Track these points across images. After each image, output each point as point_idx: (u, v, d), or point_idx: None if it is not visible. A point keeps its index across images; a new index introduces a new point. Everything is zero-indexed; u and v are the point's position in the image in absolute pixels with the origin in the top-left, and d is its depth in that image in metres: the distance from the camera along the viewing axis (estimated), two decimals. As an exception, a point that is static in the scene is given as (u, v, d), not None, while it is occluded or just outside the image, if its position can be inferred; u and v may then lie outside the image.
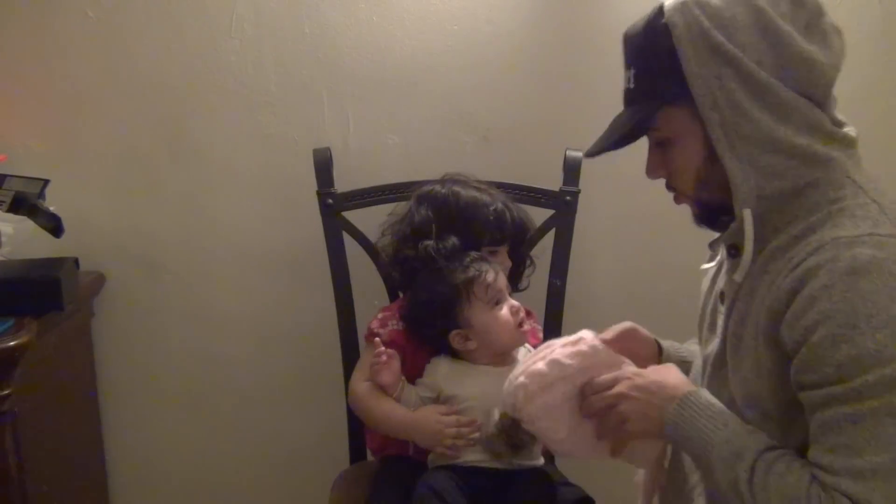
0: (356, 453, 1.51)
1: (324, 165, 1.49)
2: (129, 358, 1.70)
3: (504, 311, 1.26)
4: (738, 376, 0.94)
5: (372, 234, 1.48)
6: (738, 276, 0.95)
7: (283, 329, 1.70)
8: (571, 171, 1.49)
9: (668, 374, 1.02)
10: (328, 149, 1.52)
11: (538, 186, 1.51)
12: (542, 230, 1.50)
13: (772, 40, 0.87)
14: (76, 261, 1.46)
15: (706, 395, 0.97)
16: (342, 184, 1.50)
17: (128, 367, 1.70)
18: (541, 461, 1.28)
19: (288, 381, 1.72)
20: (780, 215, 0.91)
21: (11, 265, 1.43)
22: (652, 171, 1.01)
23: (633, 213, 1.64)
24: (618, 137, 0.99)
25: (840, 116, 0.94)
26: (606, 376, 1.03)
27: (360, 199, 1.49)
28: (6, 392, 1.23)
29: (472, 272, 1.26)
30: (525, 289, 1.49)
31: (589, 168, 1.49)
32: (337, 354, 1.49)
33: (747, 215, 0.90)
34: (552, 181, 1.50)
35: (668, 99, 0.94)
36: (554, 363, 1.05)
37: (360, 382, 1.31)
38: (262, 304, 1.69)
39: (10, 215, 1.36)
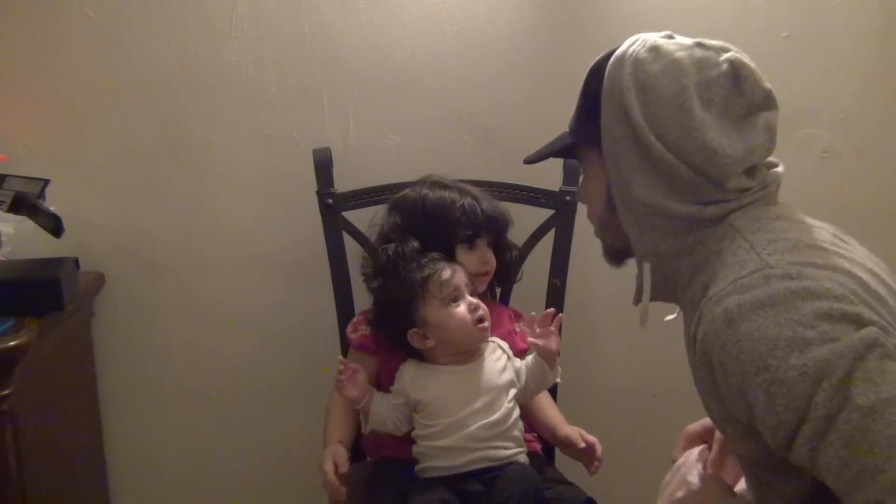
0: (355, 454, 1.51)
1: (324, 165, 1.49)
2: (129, 358, 1.70)
3: (461, 308, 1.27)
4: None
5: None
6: (641, 323, 0.99)
7: (283, 329, 1.70)
8: (571, 171, 1.49)
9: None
10: (328, 149, 1.52)
11: (538, 186, 1.51)
12: (542, 230, 1.50)
13: (681, 121, 0.89)
14: (76, 261, 1.46)
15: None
16: (342, 184, 1.51)
17: (128, 367, 1.70)
18: (524, 456, 1.28)
19: (288, 381, 1.72)
20: (678, 273, 0.94)
21: (11, 265, 1.43)
22: (578, 196, 1.10)
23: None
24: (546, 154, 1.08)
25: (757, 180, 0.93)
26: None
27: (360, 199, 1.49)
28: (6, 392, 1.23)
29: (427, 271, 1.27)
30: (519, 279, 1.49)
31: (589, 168, 1.48)
32: (336, 354, 1.49)
33: (646, 270, 0.95)
34: (552, 181, 1.50)
35: (585, 141, 0.99)
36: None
37: (332, 395, 1.37)
38: (262, 304, 1.69)
39: (10, 215, 1.36)
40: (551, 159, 1.10)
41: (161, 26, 1.57)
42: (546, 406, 1.41)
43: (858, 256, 0.88)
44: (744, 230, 0.89)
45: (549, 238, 1.51)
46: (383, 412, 1.28)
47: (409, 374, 1.30)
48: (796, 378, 0.75)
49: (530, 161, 1.10)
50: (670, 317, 1.04)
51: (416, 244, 1.32)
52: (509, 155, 1.63)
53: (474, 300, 1.29)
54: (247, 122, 1.61)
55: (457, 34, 1.60)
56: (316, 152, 1.50)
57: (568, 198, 1.49)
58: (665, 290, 0.97)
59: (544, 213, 1.51)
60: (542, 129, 1.64)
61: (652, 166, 0.90)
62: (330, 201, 1.48)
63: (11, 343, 1.22)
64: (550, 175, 1.51)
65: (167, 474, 1.77)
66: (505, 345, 1.33)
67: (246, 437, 1.75)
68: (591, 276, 1.65)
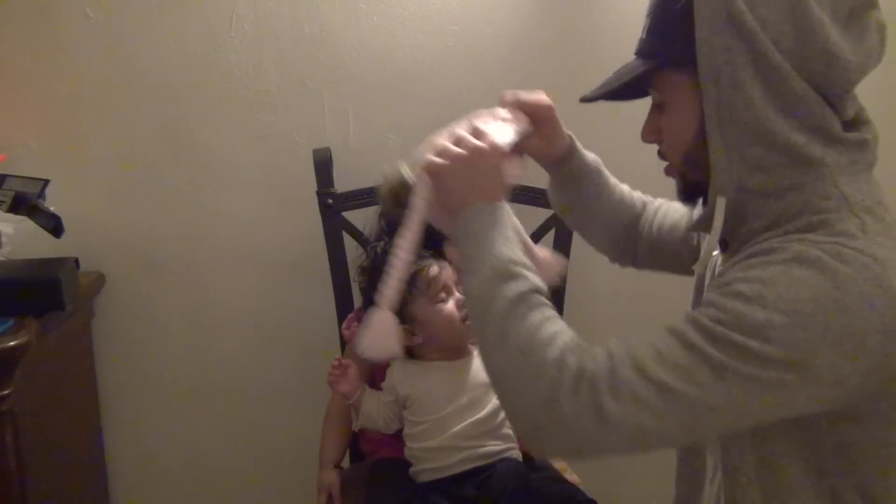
0: (354, 454, 1.51)
1: (324, 165, 1.49)
2: (129, 358, 1.70)
3: (449, 305, 1.27)
4: None
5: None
6: (697, 267, 0.90)
7: (283, 329, 1.70)
8: (571, 171, 1.49)
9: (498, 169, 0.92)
10: (328, 149, 1.52)
11: (538, 186, 1.51)
12: (543, 230, 1.50)
13: (798, 22, 0.78)
14: (76, 261, 1.46)
15: (507, 211, 0.91)
16: (342, 184, 1.51)
17: (128, 367, 1.70)
18: (516, 452, 1.29)
19: (288, 381, 1.72)
20: (756, 215, 0.83)
21: (11, 265, 1.43)
22: (645, 134, 0.94)
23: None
24: (614, 89, 0.92)
25: (860, 114, 0.87)
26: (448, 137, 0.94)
27: (360, 199, 1.49)
28: (6, 392, 1.23)
29: (413, 268, 1.26)
30: None
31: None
32: (336, 354, 1.49)
33: (720, 203, 0.83)
34: (552, 181, 1.50)
35: (671, 61, 0.85)
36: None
37: (332, 401, 1.41)
38: (262, 304, 1.70)
39: (10, 215, 1.36)
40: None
41: (161, 26, 1.57)
42: None
43: None
44: (852, 201, 0.79)
45: (549, 238, 1.50)
46: (373, 409, 1.30)
47: (398, 371, 1.30)
48: (758, 321, 0.73)
49: (590, 99, 0.95)
50: (716, 252, 0.94)
51: None
52: (509, 155, 1.64)
53: (462, 297, 1.29)
54: (247, 122, 1.61)
55: (457, 34, 1.60)
56: (316, 152, 1.50)
57: (568, 198, 1.49)
58: (729, 229, 0.86)
59: (544, 213, 1.51)
60: (542, 129, 1.65)
61: (763, 80, 0.79)
62: (330, 201, 1.48)
63: (11, 343, 1.22)
64: (550, 175, 1.51)
65: (167, 474, 1.77)
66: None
67: (245, 436, 1.75)
68: (591, 276, 1.65)
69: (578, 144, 1.08)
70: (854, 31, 0.80)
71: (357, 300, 1.50)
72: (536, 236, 1.50)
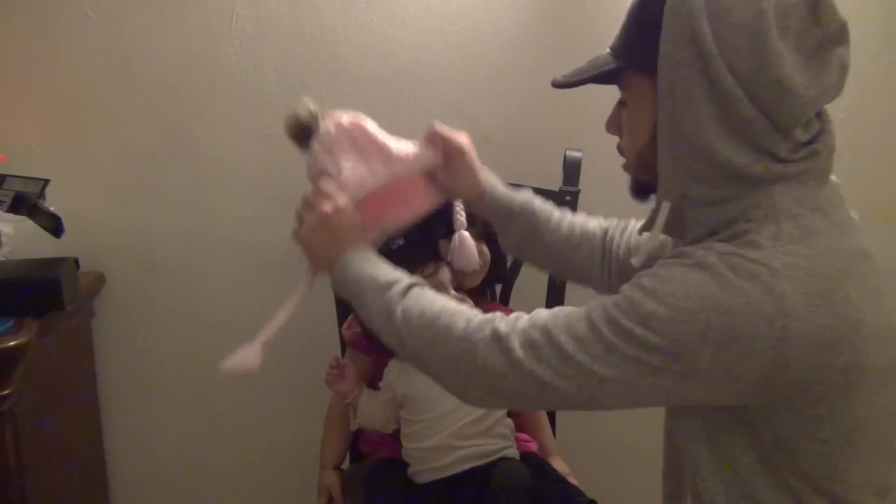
0: (354, 454, 1.51)
1: (324, 165, 1.49)
2: (129, 358, 1.70)
3: None
4: None
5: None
6: (635, 261, 0.95)
7: (283, 329, 1.70)
8: (571, 171, 1.49)
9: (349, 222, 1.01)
10: (328, 149, 1.52)
11: (538, 186, 1.51)
12: (542, 230, 1.50)
13: (757, 51, 0.80)
14: (76, 261, 1.46)
15: (370, 248, 1.01)
16: (342, 184, 1.50)
17: (128, 367, 1.70)
18: (513, 450, 1.29)
19: (287, 381, 1.72)
20: (696, 222, 0.88)
21: (11, 265, 1.43)
22: (608, 125, 0.98)
23: (632, 213, 1.64)
24: (583, 79, 0.97)
25: (818, 133, 0.89)
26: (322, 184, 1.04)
27: (360, 199, 1.49)
28: (6, 392, 1.23)
29: (408, 268, 1.26)
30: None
31: (589, 168, 1.48)
32: (336, 354, 1.49)
33: (664, 207, 0.88)
34: (552, 181, 1.50)
35: (636, 65, 0.89)
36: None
37: (332, 403, 1.43)
38: (261, 304, 1.68)
39: (10, 215, 1.36)
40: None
41: (161, 26, 1.57)
42: (541, 429, 1.43)
43: (868, 285, 0.84)
44: (781, 212, 0.82)
45: (549, 238, 1.50)
46: (371, 408, 1.30)
47: (395, 369, 1.31)
48: (644, 310, 0.80)
49: (561, 85, 0.99)
50: (645, 235, 0.99)
51: (400, 241, 1.32)
52: (509, 155, 1.64)
53: (458, 296, 1.28)
54: (247, 122, 1.61)
55: (457, 34, 1.60)
56: (316, 152, 1.50)
57: (568, 198, 1.49)
58: (674, 232, 0.92)
59: (544, 213, 1.50)
60: (542, 130, 1.65)
61: (714, 100, 0.81)
62: (330, 201, 1.48)
63: (11, 343, 1.22)
64: (550, 175, 1.51)
65: (167, 474, 1.77)
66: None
67: (245, 436, 1.75)
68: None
69: (499, 188, 1.15)
70: (816, 65, 0.83)
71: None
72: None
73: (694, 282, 0.80)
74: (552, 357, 0.83)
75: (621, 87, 0.94)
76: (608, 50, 0.95)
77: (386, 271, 0.96)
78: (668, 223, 0.90)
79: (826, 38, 0.82)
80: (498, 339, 0.85)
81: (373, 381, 1.37)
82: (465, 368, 0.86)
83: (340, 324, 1.49)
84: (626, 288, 0.84)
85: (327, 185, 1.03)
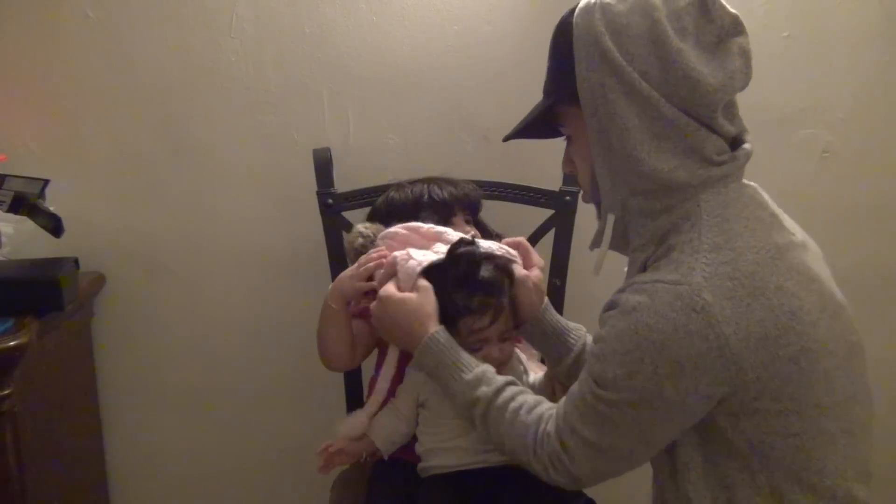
0: (356, 453, 1.51)
1: (324, 165, 1.49)
2: (129, 358, 1.70)
3: (481, 351, 1.21)
4: None
5: (372, 234, 1.49)
6: (594, 271, 1.02)
7: (283, 329, 1.70)
8: (571, 171, 1.49)
9: (425, 301, 1.11)
10: (328, 149, 1.52)
11: (538, 186, 1.51)
12: (542, 230, 1.50)
13: (660, 54, 0.87)
14: (76, 261, 1.46)
15: (445, 334, 1.09)
16: (342, 184, 1.51)
17: (128, 367, 1.70)
18: None
19: (288, 381, 1.72)
20: (636, 233, 0.94)
21: (11, 265, 1.43)
22: (564, 165, 1.06)
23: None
24: (525, 126, 1.05)
25: (736, 128, 0.93)
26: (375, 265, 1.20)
27: (360, 199, 1.49)
28: (6, 392, 1.23)
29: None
30: None
31: (589, 168, 1.49)
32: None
33: (609, 220, 0.95)
34: (552, 181, 1.50)
35: (563, 99, 0.97)
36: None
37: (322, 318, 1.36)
38: (262, 304, 1.70)
39: (10, 215, 1.36)
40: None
41: (161, 26, 1.57)
42: None
43: (800, 272, 0.89)
44: (704, 221, 0.88)
45: (549, 238, 1.50)
46: (391, 435, 1.23)
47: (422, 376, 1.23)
48: (609, 377, 0.88)
49: (508, 138, 1.08)
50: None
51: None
52: (509, 155, 1.63)
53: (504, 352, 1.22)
54: (247, 122, 1.61)
55: (457, 34, 1.60)
56: (316, 152, 1.50)
57: (568, 198, 1.49)
58: (623, 243, 0.98)
59: (544, 213, 1.51)
60: (542, 129, 1.65)
61: (635, 108, 0.88)
62: (330, 201, 1.48)
63: (11, 343, 1.22)
64: (550, 175, 1.51)
65: (167, 474, 1.77)
66: (523, 356, 1.28)
67: (246, 437, 1.75)
68: (591, 276, 1.64)
69: (551, 309, 1.23)
70: (719, 56, 0.89)
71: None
72: (536, 236, 1.50)
73: (625, 331, 0.86)
74: (595, 457, 0.94)
75: (561, 126, 1.02)
76: (543, 95, 1.04)
77: (461, 384, 1.06)
78: (613, 236, 0.96)
79: (722, 32, 0.90)
80: (557, 460, 0.96)
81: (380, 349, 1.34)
82: (541, 476, 1.00)
83: (340, 324, 1.49)
84: (590, 358, 0.93)
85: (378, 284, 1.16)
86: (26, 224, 1.38)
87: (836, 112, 1.65)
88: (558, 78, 0.98)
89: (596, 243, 1.00)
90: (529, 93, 1.63)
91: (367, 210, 1.47)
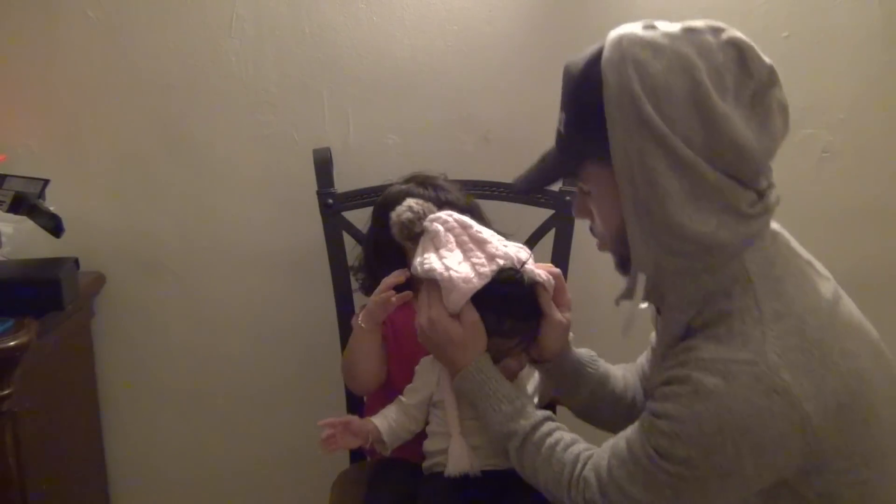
0: (356, 453, 1.51)
1: (324, 165, 1.49)
2: (129, 358, 1.70)
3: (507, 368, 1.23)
4: None
5: (372, 234, 1.48)
6: (622, 332, 1.01)
7: (283, 329, 1.70)
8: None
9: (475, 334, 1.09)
10: (328, 149, 1.52)
11: (538, 186, 1.51)
12: (542, 230, 1.50)
13: (704, 118, 0.82)
14: (76, 261, 1.46)
15: (488, 364, 1.09)
16: (342, 184, 1.51)
17: (128, 367, 1.70)
18: None
19: (288, 381, 1.72)
20: (674, 292, 0.91)
21: (11, 265, 1.43)
22: (578, 214, 1.02)
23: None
24: (544, 181, 1.02)
25: (766, 181, 0.91)
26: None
27: (360, 199, 1.49)
28: (6, 392, 1.23)
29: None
30: None
31: (589, 168, 1.49)
32: (337, 354, 1.49)
33: (641, 279, 0.92)
34: (552, 181, 1.50)
35: (591, 157, 0.91)
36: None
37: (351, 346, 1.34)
38: (262, 304, 1.70)
39: (10, 215, 1.36)
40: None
41: (161, 26, 1.57)
42: None
43: (852, 325, 0.90)
44: (757, 285, 0.87)
45: (549, 238, 1.50)
46: (396, 429, 1.22)
47: (433, 371, 1.22)
48: (680, 456, 0.85)
49: (523, 191, 1.05)
50: (643, 306, 1.02)
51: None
52: (509, 155, 1.63)
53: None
54: (247, 122, 1.61)
55: (457, 34, 1.60)
56: (316, 152, 1.50)
57: (568, 198, 1.49)
58: (653, 299, 0.96)
59: (544, 213, 1.50)
60: (542, 129, 1.64)
61: (678, 176, 0.84)
62: (330, 201, 1.48)
63: (11, 343, 1.22)
64: (550, 175, 1.51)
65: (167, 474, 1.77)
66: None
67: (246, 437, 1.75)
68: (591, 276, 1.64)
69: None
70: (759, 114, 0.86)
71: (356, 300, 1.50)
72: (536, 236, 1.50)
73: (705, 416, 0.83)
74: None
75: (580, 179, 0.97)
76: (556, 146, 0.99)
77: (499, 414, 1.06)
78: (646, 291, 0.94)
79: (760, 86, 0.85)
80: None
81: (388, 351, 1.32)
82: None
83: (341, 323, 1.49)
84: (651, 430, 0.89)
85: (424, 296, 1.12)
86: (26, 224, 1.38)
87: (836, 112, 1.65)
88: (582, 136, 0.91)
89: (626, 297, 0.97)
90: (529, 93, 1.64)
91: (367, 210, 1.47)
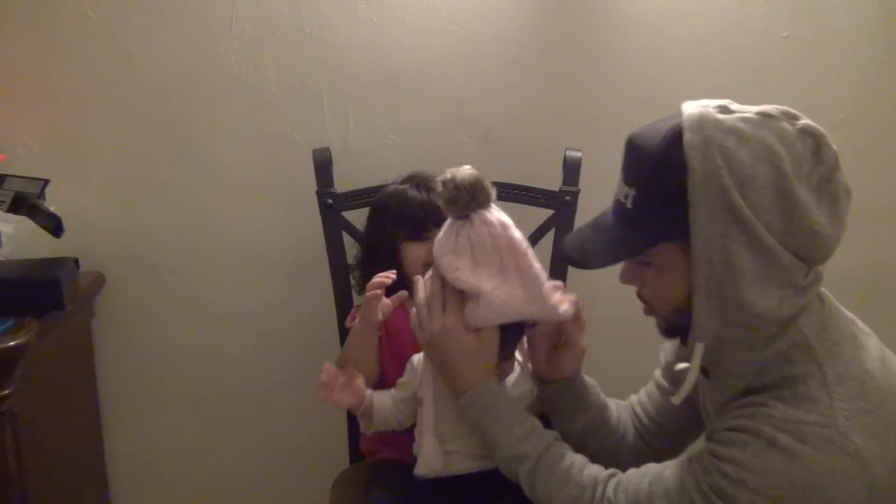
0: (355, 453, 1.51)
1: (324, 165, 1.49)
2: (129, 358, 1.70)
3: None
4: None
5: (372, 234, 1.48)
6: (675, 399, 0.98)
7: (283, 329, 1.70)
8: (571, 170, 1.49)
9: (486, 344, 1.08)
10: (328, 149, 1.52)
11: (538, 186, 1.51)
12: (542, 230, 1.50)
13: (786, 207, 0.85)
14: (76, 261, 1.46)
15: (498, 387, 1.08)
16: (342, 184, 1.51)
17: (128, 367, 1.70)
18: None
19: (287, 381, 1.72)
20: (731, 360, 0.93)
21: (11, 265, 1.43)
22: (627, 280, 1.01)
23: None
24: (612, 257, 0.97)
25: None
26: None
27: (360, 199, 1.49)
28: (6, 392, 1.23)
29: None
30: None
31: (589, 168, 1.49)
32: (336, 354, 1.49)
33: (698, 348, 0.93)
34: (552, 181, 1.50)
35: (664, 236, 0.91)
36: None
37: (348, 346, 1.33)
38: (261, 304, 1.70)
39: (10, 215, 1.36)
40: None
41: (161, 26, 1.57)
42: None
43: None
44: (816, 350, 0.90)
45: (548, 238, 1.50)
46: (387, 411, 1.23)
47: (420, 369, 1.22)
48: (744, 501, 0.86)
49: (584, 266, 0.99)
50: (682, 366, 1.03)
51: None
52: (509, 155, 1.64)
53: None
54: (247, 122, 1.61)
55: (457, 34, 1.60)
56: (316, 152, 1.50)
57: (568, 198, 1.49)
58: (708, 364, 0.96)
59: (544, 213, 1.50)
60: (542, 129, 1.65)
61: (755, 259, 0.86)
62: (330, 201, 1.48)
63: (11, 343, 1.22)
64: (550, 175, 1.51)
65: (167, 474, 1.77)
66: (521, 357, 1.28)
67: (246, 437, 1.75)
68: (592, 277, 1.64)
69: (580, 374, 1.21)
70: (826, 198, 0.88)
71: (357, 300, 1.50)
72: (536, 236, 1.50)
73: (776, 468, 0.85)
74: None
75: (645, 253, 0.95)
76: (615, 216, 0.97)
77: (509, 437, 1.05)
78: (686, 353, 0.95)
79: (827, 171, 0.88)
80: None
81: (384, 371, 1.34)
82: None
83: (340, 323, 1.49)
84: (713, 470, 0.89)
85: (438, 302, 1.09)
86: (26, 224, 1.38)
87: (836, 112, 1.65)
88: (659, 217, 0.91)
89: (679, 361, 1.00)
90: (529, 93, 1.64)
91: (367, 210, 1.47)
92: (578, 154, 1.49)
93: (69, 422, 1.56)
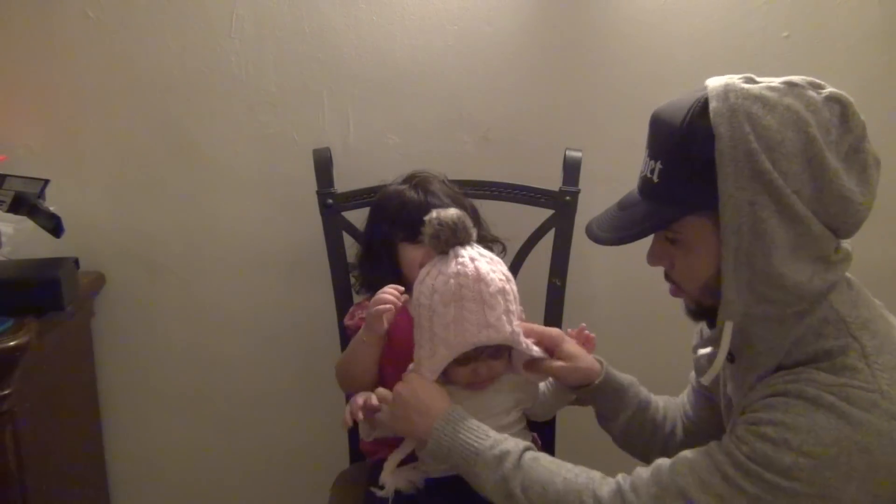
0: (355, 453, 1.51)
1: (324, 165, 1.49)
2: (129, 358, 1.70)
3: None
4: None
5: (372, 234, 1.48)
6: (704, 380, 0.98)
7: (283, 329, 1.70)
8: (571, 170, 1.49)
9: (432, 394, 1.09)
10: (328, 149, 1.52)
11: (538, 186, 1.51)
12: (542, 230, 1.50)
13: (816, 173, 0.84)
14: (76, 261, 1.46)
15: (462, 410, 1.06)
16: (342, 184, 1.51)
17: (128, 367, 1.70)
18: None
19: (288, 381, 1.72)
20: (760, 338, 0.92)
21: (11, 265, 1.43)
22: (655, 260, 0.99)
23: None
24: (637, 233, 0.94)
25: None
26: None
27: (360, 199, 1.49)
28: (6, 392, 1.23)
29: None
30: None
31: (589, 168, 1.49)
32: (337, 354, 1.49)
33: (727, 327, 0.92)
34: (552, 181, 1.50)
35: (692, 209, 0.90)
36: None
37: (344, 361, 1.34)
38: (261, 304, 1.70)
39: (10, 215, 1.36)
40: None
41: (161, 26, 1.57)
42: None
43: None
44: (850, 323, 0.89)
45: (548, 238, 1.50)
46: (388, 420, 1.24)
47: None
48: (785, 463, 0.83)
49: (612, 244, 0.97)
50: (703, 351, 1.03)
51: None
52: (509, 155, 1.64)
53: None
54: (247, 122, 1.62)
55: (457, 34, 1.60)
56: (316, 152, 1.50)
57: (568, 198, 1.49)
58: (736, 345, 0.95)
59: (544, 213, 1.50)
60: (542, 129, 1.65)
61: (787, 228, 0.85)
62: (330, 201, 1.48)
63: (11, 343, 1.22)
64: (550, 175, 1.51)
65: (167, 474, 1.77)
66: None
67: (245, 436, 1.75)
68: (591, 276, 1.65)
69: (610, 368, 1.21)
70: (856, 168, 0.87)
71: (356, 300, 1.50)
72: (536, 236, 1.50)
73: (822, 426, 0.83)
74: None
75: (671, 229, 0.94)
76: (641, 194, 0.96)
77: (487, 441, 1.02)
78: (714, 336, 0.95)
79: (855, 140, 0.88)
80: None
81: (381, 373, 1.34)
82: None
83: (340, 323, 1.49)
84: (748, 436, 0.86)
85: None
86: (26, 224, 1.39)
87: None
88: (686, 188, 0.89)
89: (707, 345, 0.98)
90: (529, 93, 1.64)
91: (367, 210, 1.47)
92: (578, 154, 1.49)
93: (69, 422, 1.56)
